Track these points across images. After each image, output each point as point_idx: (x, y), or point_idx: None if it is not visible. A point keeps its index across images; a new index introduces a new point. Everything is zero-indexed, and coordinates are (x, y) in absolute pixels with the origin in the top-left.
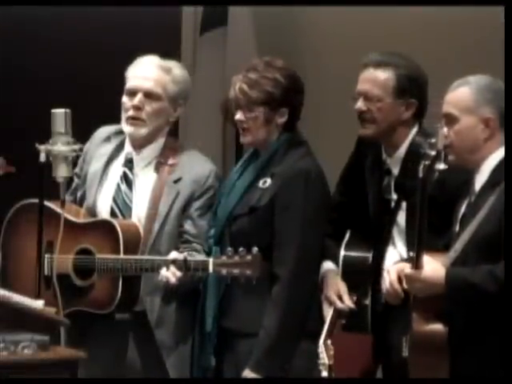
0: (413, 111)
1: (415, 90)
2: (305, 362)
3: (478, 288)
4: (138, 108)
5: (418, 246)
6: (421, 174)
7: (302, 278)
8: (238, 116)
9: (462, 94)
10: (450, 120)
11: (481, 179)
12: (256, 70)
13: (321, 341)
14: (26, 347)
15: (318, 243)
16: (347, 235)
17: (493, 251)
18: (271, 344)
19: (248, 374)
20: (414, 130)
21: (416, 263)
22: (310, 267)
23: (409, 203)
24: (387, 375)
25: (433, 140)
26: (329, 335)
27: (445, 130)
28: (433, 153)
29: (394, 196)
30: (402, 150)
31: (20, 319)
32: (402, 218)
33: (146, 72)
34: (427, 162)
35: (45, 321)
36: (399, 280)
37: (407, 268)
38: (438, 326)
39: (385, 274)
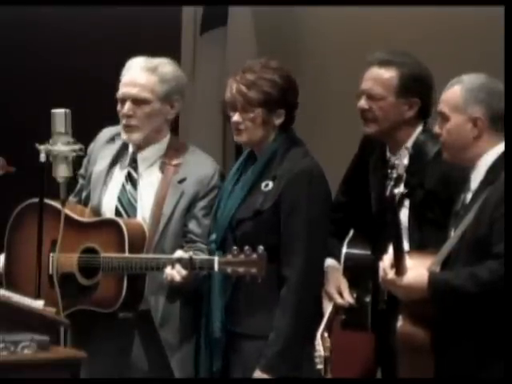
0: (416, 110)
1: (419, 89)
2: (311, 365)
3: (459, 291)
4: (128, 116)
5: (396, 252)
6: (388, 193)
7: (311, 278)
8: (236, 118)
9: (453, 93)
10: (443, 118)
11: (477, 177)
12: (253, 71)
13: (318, 333)
14: (25, 347)
15: (323, 243)
16: (350, 234)
17: (482, 251)
18: (283, 346)
19: (259, 375)
20: (419, 129)
21: (396, 269)
22: (318, 267)
23: (411, 200)
24: (386, 374)
25: (396, 161)
26: (326, 329)
27: (437, 128)
28: (394, 175)
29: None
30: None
31: (20, 319)
32: (404, 215)
33: (132, 77)
34: (392, 183)
35: (45, 321)
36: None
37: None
38: (423, 329)
39: (380, 263)
